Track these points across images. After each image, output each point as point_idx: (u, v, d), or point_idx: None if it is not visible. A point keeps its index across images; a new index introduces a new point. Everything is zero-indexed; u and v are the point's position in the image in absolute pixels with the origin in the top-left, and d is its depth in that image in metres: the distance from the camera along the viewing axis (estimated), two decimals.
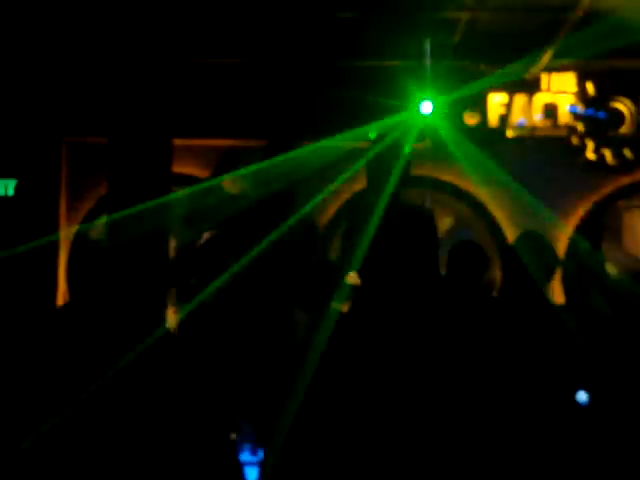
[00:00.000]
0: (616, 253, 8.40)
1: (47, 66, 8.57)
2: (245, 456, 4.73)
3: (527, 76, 9.02)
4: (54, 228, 8.92)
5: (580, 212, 9.15)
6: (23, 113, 8.71)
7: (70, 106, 8.82)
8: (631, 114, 9.05)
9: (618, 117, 9.08)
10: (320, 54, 8.81)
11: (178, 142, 6.75)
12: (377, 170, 8.00)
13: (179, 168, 8.07)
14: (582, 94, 9.07)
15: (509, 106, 9.07)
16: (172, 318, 6.06)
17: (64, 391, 4.49)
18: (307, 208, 6.90)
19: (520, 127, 9.09)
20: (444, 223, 8.92)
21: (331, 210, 9.00)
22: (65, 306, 5.09)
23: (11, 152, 8.81)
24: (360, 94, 8.71)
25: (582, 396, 4.31)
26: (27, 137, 8.80)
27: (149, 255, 6.07)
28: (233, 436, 4.35)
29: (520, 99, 9.09)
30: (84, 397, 4.50)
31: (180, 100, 7.08)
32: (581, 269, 5.07)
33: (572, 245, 8.96)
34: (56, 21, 7.95)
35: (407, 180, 4.62)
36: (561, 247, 8.96)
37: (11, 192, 8.90)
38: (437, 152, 8.96)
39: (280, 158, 8.23)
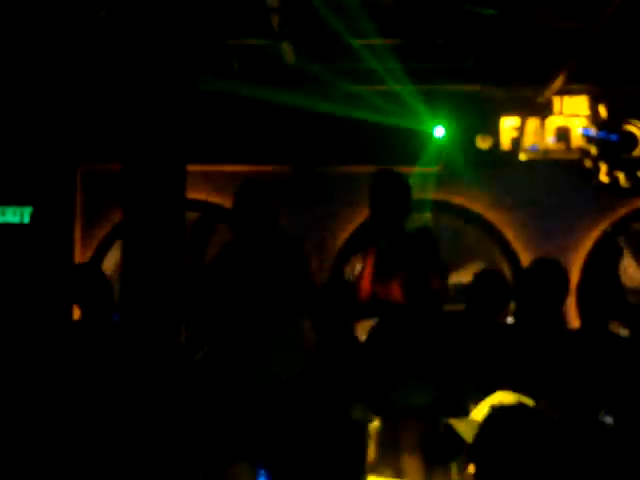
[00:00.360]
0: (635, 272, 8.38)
1: (63, 94, 8.64)
2: None
3: (539, 99, 9.03)
4: (69, 255, 8.95)
5: (594, 235, 9.12)
6: (39, 140, 8.77)
7: (85, 133, 8.88)
8: None
9: (631, 140, 9.07)
10: (332, 79, 8.86)
11: (192, 168, 6.77)
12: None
13: (193, 194, 8.10)
14: (595, 117, 9.07)
15: (521, 129, 9.08)
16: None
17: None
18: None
19: (533, 150, 9.10)
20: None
21: (346, 233, 9.01)
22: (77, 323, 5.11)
23: (26, 180, 8.86)
24: (376, 118, 8.74)
25: (607, 418, 4.28)
26: (42, 164, 8.85)
27: (164, 277, 6.08)
28: None
29: (532, 122, 9.10)
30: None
31: (194, 127, 7.12)
32: (598, 293, 5.05)
33: (588, 269, 8.95)
34: (73, 50, 8.02)
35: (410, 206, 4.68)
36: (575, 270, 8.95)
37: (27, 219, 8.94)
38: (450, 175, 8.98)
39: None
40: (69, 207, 9.12)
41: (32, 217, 8.97)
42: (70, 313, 7.99)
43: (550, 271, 4.82)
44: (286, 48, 8.34)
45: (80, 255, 9.14)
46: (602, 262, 4.98)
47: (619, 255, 5.59)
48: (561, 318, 4.85)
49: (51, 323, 7.53)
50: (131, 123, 6.24)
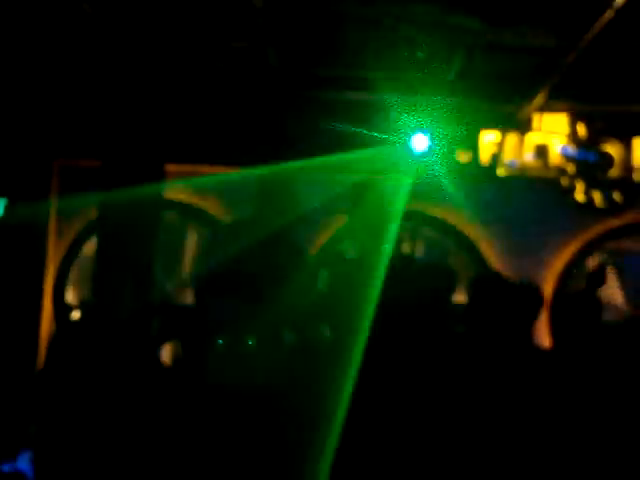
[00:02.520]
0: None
1: (40, 87, 8.57)
2: None
3: (520, 116, 9.08)
4: (42, 249, 8.89)
5: (568, 253, 9.18)
6: (15, 133, 8.71)
7: (63, 128, 8.82)
8: (621, 157, 9.11)
9: (608, 160, 9.13)
10: (312, 85, 8.87)
11: (171, 168, 6.76)
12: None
13: (172, 194, 8.08)
14: (574, 135, 9.13)
15: (501, 145, 9.12)
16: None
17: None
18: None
19: (511, 166, 9.14)
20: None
21: (322, 240, 9.00)
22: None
23: (2, 172, 8.79)
24: (354, 127, 8.75)
25: None
26: (18, 157, 8.79)
27: (137, 276, 6.06)
28: None
29: (512, 138, 9.14)
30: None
31: (174, 126, 7.10)
32: (571, 311, 5.08)
33: (560, 286, 9.01)
34: (49, 43, 7.96)
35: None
36: (548, 287, 9.00)
37: (0, 212, 8.88)
38: (427, 187, 9.00)
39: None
40: (44, 200, 9.06)
41: (6, 209, 8.90)
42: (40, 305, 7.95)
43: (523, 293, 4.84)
44: (270, 51, 8.33)
45: (54, 249, 9.08)
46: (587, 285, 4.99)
47: (601, 281, 5.60)
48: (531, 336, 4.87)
49: (24, 316, 7.49)
50: (111, 120, 6.22)
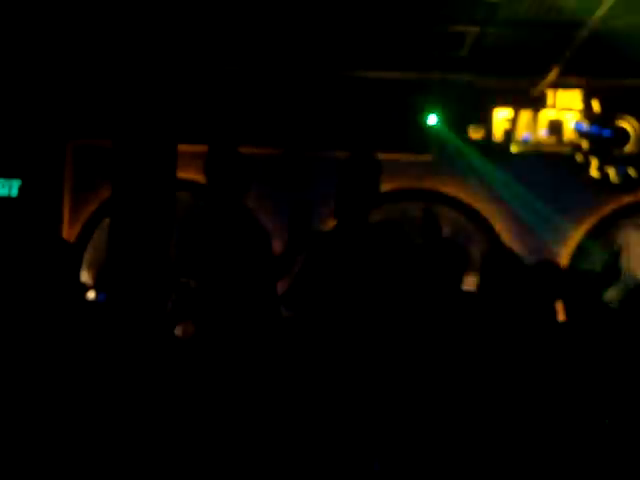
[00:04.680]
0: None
1: (54, 69, 8.58)
2: None
3: (533, 92, 9.03)
4: (57, 229, 8.92)
5: (583, 229, 9.15)
6: (29, 114, 8.72)
7: (76, 109, 8.84)
8: (636, 133, 9.06)
9: (623, 136, 9.09)
10: (329, 65, 8.84)
11: (184, 148, 6.75)
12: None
13: (184, 174, 8.08)
14: (588, 112, 9.08)
15: (514, 121, 9.08)
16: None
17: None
18: None
19: (524, 143, 9.10)
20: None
21: None
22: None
23: (16, 153, 8.82)
24: (369, 104, 8.73)
25: None
26: (32, 138, 8.81)
27: (152, 257, 6.07)
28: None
29: (525, 115, 9.10)
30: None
31: (187, 105, 7.09)
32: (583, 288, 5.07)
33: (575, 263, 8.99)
34: (63, 25, 7.96)
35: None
36: (564, 262, 8.98)
37: (15, 192, 8.91)
38: (441, 165, 8.98)
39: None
40: (58, 181, 9.09)
41: (20, 190, 8.93)
42: (57, 289, 7.95)
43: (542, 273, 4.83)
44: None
45: (68, 230, 9.12)
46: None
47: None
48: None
49: (38, 297, 7.50)
50: (123, 101, 6.20)
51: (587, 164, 9.09)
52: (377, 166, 4.34)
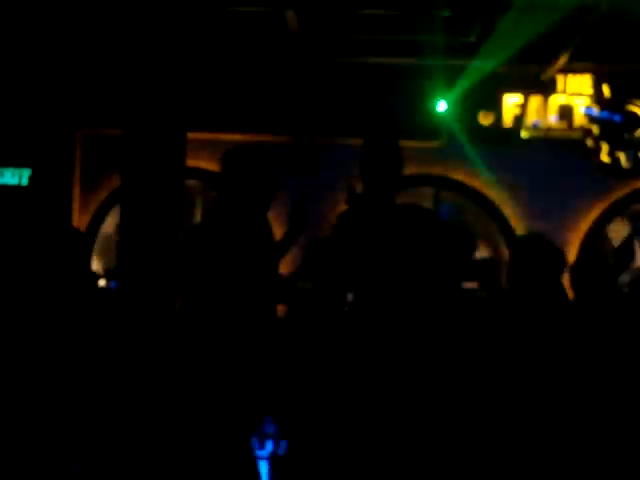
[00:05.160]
0: None
1: (64, 59, 8.59)
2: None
3: (543, 77, 8.99)
4: (67, 218, 8.94)
5: (593, 215, 9.12)
6: (39, 104, 8.74)
7: (85, 98, 8.85)
8: None
9: (633, 120, 9.05)
10: (340, 51, 8.82)
11: (192, 136, 6.75)
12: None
13: (193, 162, 8.09)
14: (598, 96, 9.04)
15: (524, 107, 9.05)
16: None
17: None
18: None
19: (535, 128, 9.07)
20: None
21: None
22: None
23: (26, 142, 8.84)
24: (379, 91, 8.72)
25: None
26: (42, 128, 8.83)
27: (162, 244, 6.08)
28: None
29: (535, 100, 9.07)
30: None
31: (196, 94, 7.09)
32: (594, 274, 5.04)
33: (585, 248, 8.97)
34: (72, 15, 7.97)
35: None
36: (573, 249, 8.96)
37: (25, 181, 8.93)
38: (451, 151, 8.96)
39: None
40: (68, 170, 9.11)
41: (30, 179, 8.95)
42: (68, 277, 7.98)
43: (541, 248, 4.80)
44: (290, 16, 8.29)
45: (78, 218, 9.14)
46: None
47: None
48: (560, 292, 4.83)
49: (48, 286, 7.53)
50: (132, 90, 6.21)
51: (598, 149, 9.05)
52: (399, 149, 4.41)
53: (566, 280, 5.01)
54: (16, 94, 8.64)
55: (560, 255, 4.70)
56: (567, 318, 4.56)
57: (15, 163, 8.93)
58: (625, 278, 4.99)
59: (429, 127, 8.83)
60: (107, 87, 8.36)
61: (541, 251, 4.63)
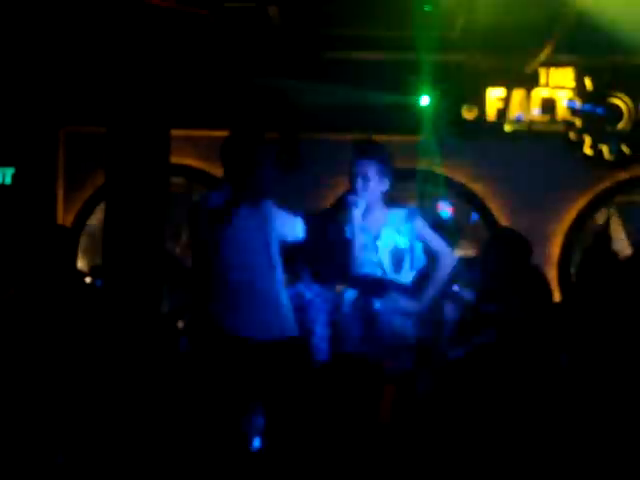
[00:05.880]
0: None
1: (45, 56, 8.55)
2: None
3: (525, 71, 9.02)
4: (51, 216, 8.92)
5: (577, 207, 9.16)
6: (21, 102, 8.70)
7: (68, 96, 8.81)
8: (629, 110, 9.06)
9: (616, 113, 9.08)
10: (322, 46, 8.82)
11: (177, 133, 6.74)
12: None
13: (178, 159, 8.07)
14: (580, 90, 9.07)
15: (507, 100, 9.08)
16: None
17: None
18: None
19: (518, 122, 9.10)
20: None
21: (328, 201, 9.01)
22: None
23: (9, 140, 8.81)
24: (361, 86, 8.71)
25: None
26: (25, 126, 8.79)
27: (147, 241, 6.07)
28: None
29: (518, 94, 9.09)
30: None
31: (179, 91, 7.08)
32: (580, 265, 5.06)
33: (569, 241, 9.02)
34: (55, 14, 7.94)
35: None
36: (557, 242, 9.00)
37: (8, 180, 8.90)
38: (434, 145, 8.97)
39: None
40: (51, 169, 9.08)
41: (14, 178, 8.92)
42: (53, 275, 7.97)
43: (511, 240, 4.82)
44: (273, 11, 8.29)
45: (62, 217, 9.11)
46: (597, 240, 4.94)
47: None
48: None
49: (32, 284, 7.51)
50: (115, 87, 6.20)
51: (581, 142, 9.09)
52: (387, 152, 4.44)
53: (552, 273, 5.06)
54: None
55: (525, 244, 4.73)
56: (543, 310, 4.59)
57: None
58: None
59: (412, 122, 8.83)
60: (90, 85, 8.32)
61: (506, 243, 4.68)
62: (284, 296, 4.14)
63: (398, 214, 4.30)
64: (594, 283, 4.82)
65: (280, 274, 4.14)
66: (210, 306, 4.04)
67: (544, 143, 9.05)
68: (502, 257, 4.66)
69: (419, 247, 4.26)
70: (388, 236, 4.23)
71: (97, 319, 4.96)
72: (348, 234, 4.22)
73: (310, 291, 6.13)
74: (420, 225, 4.28)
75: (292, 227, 4.27)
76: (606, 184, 9.19)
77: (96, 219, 8.93)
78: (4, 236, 8.37)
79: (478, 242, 8.38)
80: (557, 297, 7.45)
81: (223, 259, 4.03)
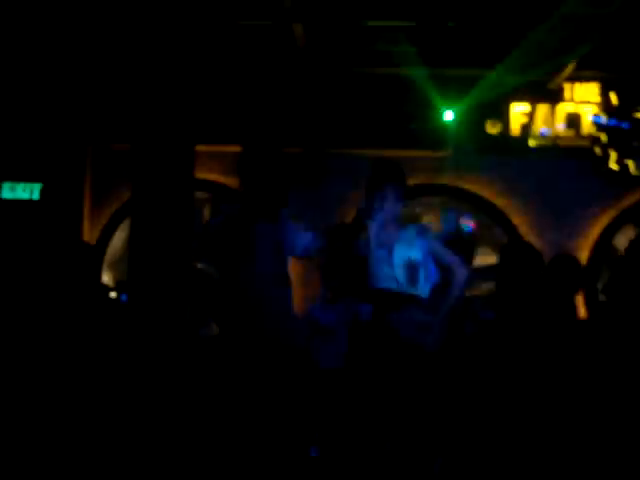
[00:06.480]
0: None
1: (74, 74, 8.66)
2: None
3: (550, 86, 9.01)
4: (77, 231, 8.99)
5: (603, 222, 9.11)
6: (50, 119, 8.80)
7: (95, 113, 8.91)
8: None
9: None
10: (344, 62, 8.86)
11: (201, 148, 6.79)
12: None
13: (202, 174, 8.13)
14: (606, 104, 9.05)
15: (531, 115, 9.07)
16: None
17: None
18: None
19: (542, 137, 9.08)
20: None
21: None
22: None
23: (37, 157, 8.90)
24: (386, 101, 8.74)
25: None
26: (53, 142, 8.89)
27: (172, 256, 6.11)
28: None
29: (543, 108, 9.08)
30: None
31: (204, 107, 7.13)
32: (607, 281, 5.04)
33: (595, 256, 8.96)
34: (83, 31, 8.04)
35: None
36: (583, 257, 8.95)
37: (36, 196, 8.99)
38: (459, 160, 8.97)
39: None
40: (78, 184, 9.16)
41: (42, 194, 9.01)
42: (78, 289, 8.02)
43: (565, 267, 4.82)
44: (297, 29, 8.34)
45: (88, 232, 9.19)
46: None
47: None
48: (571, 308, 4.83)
49: (59, 300, 7.58)
50: (141, 103, 6.25)
51: (606, 157, 9.05)
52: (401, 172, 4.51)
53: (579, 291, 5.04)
54: (27, 110, 8.71)
55: (539, 259, 4.72)
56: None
57: (27, 178, 8.98)
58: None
59: (437, 136, 8.85)
60: (117, 101, 8.42)
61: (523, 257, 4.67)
62: (292, 308, 4.20)
63: (410, 230, 4.40)
64: (626, 298, 4.79)
65: (290, 289, 4.19)
66: (229, 317, 4.09)
67: (569, 158, 9.02)
68: (515, 270, 4.67)
69: (432, 261, 4.32)
70: (402, 251, 4.31)
71: (122, 334, 5.00)
72: (364, 249, 4.30)
73: (327, 311, 6.12)
74: (431, 241, 4.36)
75: (302, 241, 4.32)
76: (632, 199, 9.14)
77: (121, 234, 9.00)
78: (32, 251, 8.45)
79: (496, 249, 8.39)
80: (583, 313, 7.43)
81: (238, 273, 4.08)
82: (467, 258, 4.80)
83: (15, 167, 8.92)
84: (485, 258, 7.94)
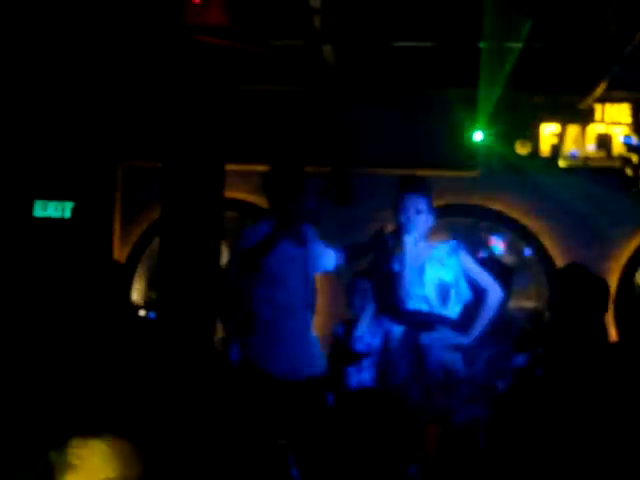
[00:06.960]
0: None
1: (105, 93, 8.74)
2: None
3: (581, 106, 8.97)
4: (108, 250, 9.05)
5: (635, 243, 9.04)
6: (81, 138, 8.88)
7: (126, 131, 8.98)
8: None
9: None
10: (373, 82, 8.88)
11: (231, 167, 6.82)
12: None
13: (231, 193, 8.16)
14: (637, 125, 8.99)
15: (562, 136, 9.03)
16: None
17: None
18: None
19: (573, 157, 9.04)
20: None
21: None
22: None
23: (69, 175, 8.97)
24: (415, 121, 8.74)
25: None
26: (84, 160, 8.96)
27: (201, 275, 6.13)
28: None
29: (573, 129, 9.04)
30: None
31: (234, 126, 7.17)
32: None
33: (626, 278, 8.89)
34: (117, 51, 8.11)
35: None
36: (613, 279, 8.88)
37: (68, 214, 9.05)
38: (488, 181, 8.95)
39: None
40: (109, 203, 9.22)
41: (73, 212, 9.07)
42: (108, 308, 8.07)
43: (588, 280, 4.75)
44: (327, 50, 8.38)
45: (119, 251, 9.24)
46: None
47: None
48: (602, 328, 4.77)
49: (90, 318, 7.62)
50: (172, 122, 6.30)
51: (637, 178, 8.98)
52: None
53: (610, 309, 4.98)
54: (58, 128, 8.79)
55: (603, 285, 4.65)
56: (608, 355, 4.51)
57: (58, 196, 9.06)
58: None
59: (466, 157, 8.83)
60: (148, 120, 8.48)
61: (583, 281, 4.59)
62: (313, 334, 4.19)
63: (442, 248, 4.32)
64: None
65: (312, 314, 4.18)
66: (245, 340, 4.09)
67: (599, 179, 8.97)
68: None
69: (464, 281, 4.25)
70: (433, 270, 4.24)
71: (151, 352, 5.02)
72: (397, 268, 4.25)
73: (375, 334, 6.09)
74: (465, 259, 4.28)
75: (325, 259, 4.31)
76: None
77: (152, 252, 9.04)
78: (63, 269, 8.51)
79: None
80: (613, 334, 7.36)
81: (258, 294, 4.09)
82: (504, 283, 4.71)
83: (47, 185, 9.00)
84: None
